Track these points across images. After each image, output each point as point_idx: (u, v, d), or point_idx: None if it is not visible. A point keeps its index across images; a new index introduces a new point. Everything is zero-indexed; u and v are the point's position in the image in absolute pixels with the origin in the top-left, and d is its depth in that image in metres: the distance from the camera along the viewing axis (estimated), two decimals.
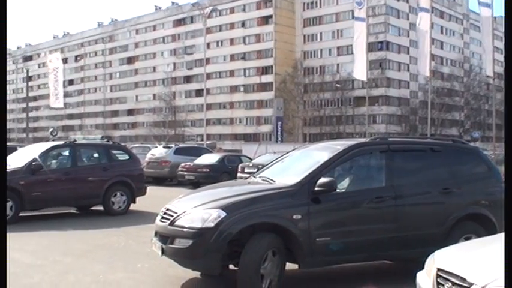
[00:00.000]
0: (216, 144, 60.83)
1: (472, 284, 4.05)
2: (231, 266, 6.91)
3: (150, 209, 14.81)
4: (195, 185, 23.81)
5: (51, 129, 50.63)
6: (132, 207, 15.14)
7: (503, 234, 4.59)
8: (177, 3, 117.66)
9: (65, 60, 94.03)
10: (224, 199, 6.81)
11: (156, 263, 8.02)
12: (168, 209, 7.11)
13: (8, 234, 10.88)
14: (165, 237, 6.84)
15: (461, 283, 4.18)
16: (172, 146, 30.87)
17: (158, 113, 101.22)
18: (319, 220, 6.91)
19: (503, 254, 4.06)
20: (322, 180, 6.84)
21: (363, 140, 8.34)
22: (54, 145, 15.03)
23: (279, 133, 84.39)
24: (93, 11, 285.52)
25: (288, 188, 6.96)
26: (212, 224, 6.40)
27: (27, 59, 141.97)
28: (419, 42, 35.02)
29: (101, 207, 14.82)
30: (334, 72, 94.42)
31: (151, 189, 16.63)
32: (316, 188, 6.83)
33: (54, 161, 14.51)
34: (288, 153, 9.06)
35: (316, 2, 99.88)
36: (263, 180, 7.64)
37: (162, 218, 7.08)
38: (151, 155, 28.68)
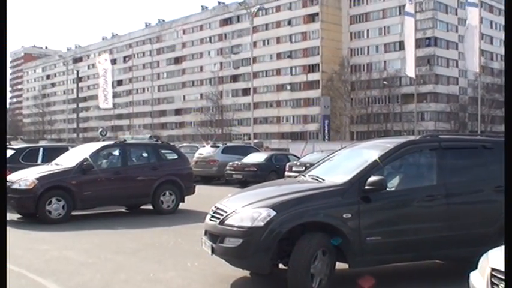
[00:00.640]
0: (263, 143, 60.96)
1: None
2: (281, 265, 6.89)
3: (198, 207, 14.92)
4: (243, 183, 23.86)
5: (100, 129, 51.35)
6: (181, 206, 15.24)
7: None
8: (223, 3, 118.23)
9: (113, 61, 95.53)
10: (273, 198, 6.80)
11: (205, 261, 8.05)
12: (217, 208, 7.14)
13: (60, 233, 11.17)
14: (215, 236, 6.87)
15: None
16: (220, 145, 31.00)
17: (205, 112, 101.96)
18: (370, 219, 6.85)
19: None
20: (372, 178, 6.77)
21: (413, 137, 8.23)
22: (104, 145, 15.24)
23: (326, 131, 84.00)
24: (141, 12, 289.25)
25: (337, 187, 6.91)
26: (262, 223, 6.40)
27: (77, 60, 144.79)
28: (468, 38, 34.36)
29: (150, 206, 14.96)
30: (381, 69, 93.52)
31: (199, 188, 16.73)
32: (366, 187, 6.77)
33: (104, 161, 14.71)
34: (336, 151, 9.00)
35: None
36: (312, 179, 7.60)
37: (212, 217, 7.11)
38: (199, 154, 28.84)
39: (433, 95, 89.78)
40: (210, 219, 7.14)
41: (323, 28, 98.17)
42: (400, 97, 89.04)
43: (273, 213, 6.45)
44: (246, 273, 7.51)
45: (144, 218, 13.97)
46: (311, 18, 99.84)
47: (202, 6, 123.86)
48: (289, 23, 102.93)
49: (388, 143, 7.64)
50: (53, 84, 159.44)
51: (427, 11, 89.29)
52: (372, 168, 7.04)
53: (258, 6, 68.29)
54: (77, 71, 67.53)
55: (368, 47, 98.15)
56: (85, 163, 13.62)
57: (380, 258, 7.01)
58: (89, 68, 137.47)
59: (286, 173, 22.78)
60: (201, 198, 16.02)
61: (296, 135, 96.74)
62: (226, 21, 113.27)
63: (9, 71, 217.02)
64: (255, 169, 25.01)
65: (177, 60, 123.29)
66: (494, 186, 7.51)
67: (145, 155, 15.68)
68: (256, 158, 26.65)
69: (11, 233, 11.56)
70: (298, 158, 26.59)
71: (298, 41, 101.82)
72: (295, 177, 8.69)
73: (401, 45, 66.45)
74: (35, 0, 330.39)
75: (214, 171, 27.41)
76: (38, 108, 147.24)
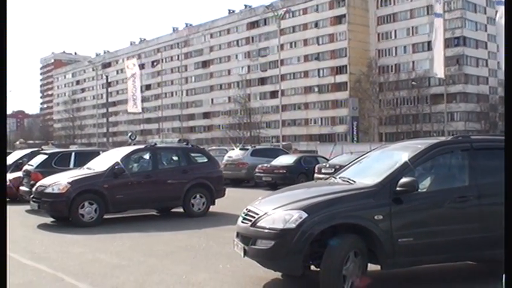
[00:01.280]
0: (291, 145, 60.89)
1: None
2: (313, 267, 6.90)
3: (229, 210, 15.00)
4: (272, 186, 23.90)
5: (129, 134, 51.76)
6: (212, 208, 15.30)
7: None
8: (250, 6, 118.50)
9: (142, 66, 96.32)
10: (305, 200, 6.82)
11: (237, 263, 8.11)
12: (249, 211, 7.18)
13: (93, 236, 11.31)
14: (247, 238, 6.91)
15: None
16: (249, 147, 31.07)
17: (233, 115, 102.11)
18: (401, 220, 6.82)
19: None
20: (404, 180, 6.75)
21: (444, 138, 8.17)
22: (135, 149, 15.41)
23: (354, 133, 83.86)
24: (168, 17, 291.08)
25: (369, 189, 6.91)
26: (294, 225, 6.42)
27: (106, 65, 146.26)
28: (498, 36, 33.97)
29: (181, 209, 15.07)
30: (409, 70, 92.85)
31: (228, 191, 16.73)
32: (397, 188, 6.74)
33: (135, 165, 14.88)
34: (366, 153, 8.98)
35: (390, 0, 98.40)
36: (343, 180, 7.60)
37: (244, 219, 7.16)
38: (228, 157, 28.96)
39: (462, 95, 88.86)
40: (242, 222, 7.18)
41: (350, 29, 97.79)
42: (429, 97, 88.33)
43: (304, 215, 6.47)
44: (278, 275, 7.54)
45: (175, 221, 14.06)
46: (338, 19, 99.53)
47: (229, 10, 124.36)
48: (316, 25, 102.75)
49: (419, 144, 7.61)
50: (83, 90, 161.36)
51: (455, 10, 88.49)
52: (403, 169, 7.02)
53: (284, 9, 68.53)
54: (106, 76, 68.06)
55: (396, 48, 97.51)
56: (116, 167, 13.78)
57: (412, 260, 6.97)
58: (117, 73, 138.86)
59: (316, 175, 22.75)
60: (231, 200, 16.10)
61: (324, 137, 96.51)
62: (253, 25, 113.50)
63: (39, 77, 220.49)
64: (284, 171, 25.02)
65: (205, 64, 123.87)
66: None
67: (175, 158, 15.79)
68: (285, 160, 26.65)
69: (46, 236, 11.78)
70: (327, 160, 26.51)
71: (326, 43, 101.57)
72: (326, 179, 8.68)
73: (429, 46, 65.91)
74: (64, 7, 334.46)
75: (244, 174, 27.50)
76: (68, 114, 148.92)
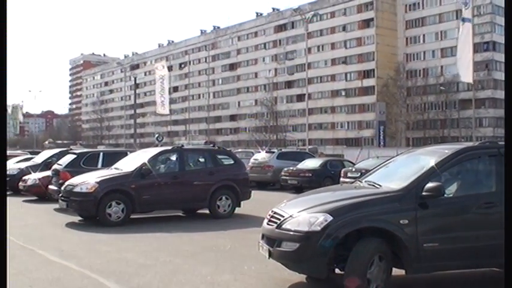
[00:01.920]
0: (317, 149, 60.75)
1: None
2: (337, 270, 6.93)
3: (254, 212, 15.04)
4: (298, 189, 23.88)
5: (156, 135, 52.19)
6: (237, 210, 15.37)
7: None
8: (278, 9, 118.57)
9: (169, 68, 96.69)
10: (330, 203, 6.86)
11: (262, 265, 8.16)
12: (275, 213, 7.23)
13: (119, 235, 11.45)
14: (272, 240, 6.97)
15: None
16: (275, 150, 31.08)
17: (260, 118, 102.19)
18: (427, 225, 6.82)
19: None
20: (430, 185, 6.75)
21: (471, 144, 8.14)
22: (162, 150, 15.54)
23: (381, 137, 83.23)
24: (196, 20, 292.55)
25: (395, 193, 6.92)
26: (319, 228, 6.47)
27: (134, 67, 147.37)
28: None
29: (206, 211, 15.15)
30: (438, 75, 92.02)
31: (254, 194, 16.76)
32: (423, 193, 6.74)
33: (162, 166, 14.99)
34: (393, 157, 8.98)
35: (419, 4, 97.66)
36: (369, 184, 7.62)
37: (269, 221, 7.21)
38: (255, 159, 28.99)
39: (491, 100, 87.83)
40: (268, 224, 7.24)
41: (378, 33, 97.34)
42: (458, 103, 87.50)
43: (329, 218, 6.51)
44: (302, 277, 7.57)
45: (201, 222, 14.16)
46: (366, 23, 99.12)
47: (256, 13, 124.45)
48: (344, 28, 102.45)
49: (446, 149, 7.59)
50: (111, 91, 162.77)
51: (484, 15, 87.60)
52: (430, 174, 7.02)
53: (312, 13, 68.37)
54: (135, 78, 68.80)
55: (424, 52, 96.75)
56: (144, 168, 13.91)
57: (437, 265, 6.95)
58: (145, 74, 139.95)
59: (342, 179, 22.68)
60: (257, 203, 16.13)
61: (351, 141, 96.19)
62: (280, 28, 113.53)
63: (68, 78, 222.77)
64: (310, 175, 24.98)
65: (232, 66, 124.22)
66: None
67: (202, 160, 15.88)
68: (311, 163, 26.61)
69: (73, 234, 11.96)
70: (354, 164, 26.43)
71: (353, 47, 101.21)
72: (352, 183, 8.70)
73: None
74: (94, 9, 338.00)
75: (269, 177, 27.50)
76: (96, 114, 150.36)
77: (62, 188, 14.20)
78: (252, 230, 11.51)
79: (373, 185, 7.48)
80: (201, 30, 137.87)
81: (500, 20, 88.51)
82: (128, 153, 17.65)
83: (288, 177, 25.82)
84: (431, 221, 6.88)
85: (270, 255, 6.94)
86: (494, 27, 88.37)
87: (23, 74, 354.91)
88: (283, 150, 33.79)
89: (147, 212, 14.45)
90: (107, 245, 10.49)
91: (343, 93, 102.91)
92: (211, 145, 22.93)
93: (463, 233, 6.97)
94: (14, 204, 18.64)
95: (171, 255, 9.51)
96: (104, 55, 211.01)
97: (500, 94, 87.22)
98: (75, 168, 16.87)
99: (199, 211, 15.62)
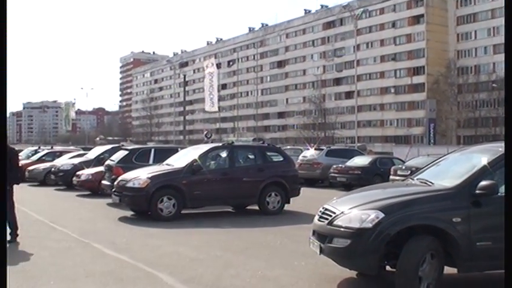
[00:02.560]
0: (366, 146, 60.27)
1: None
2: (388, 268, 6.94)
3: (303, 209, 15.09)
4: (347, 187, 23.82)
5: (205, 132, 52.60)
6: (286, 207, 15.43)
7: None
8: (326, 6, 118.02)
9: (218, 65, 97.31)
10: (382, 200, 6.86)
11: (312, 261, 8.21)
12: (326, 209, 7.26)
13: (171, 230, 11.65)
14: (323, 236, 7.00)
15: None
16: (324, 148, 31.03)
17: (308, 115, 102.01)
18: (480, 224, 6.75)
19: None
20: (484, 183, 6.67)
21: None
22: (213, 147, 15.71)
23: (431, 135, 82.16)
24: (244, 17, 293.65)
25: (447, 191, 6.88)
26: (370, 225, 6.47)
27: (183, 65, 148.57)
28: None
29: (256, 207, 15.25)
30: (490, 72, 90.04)
31: (303, 191, 16.79)
32: (476, 191, 6.68)
33: (212, 162, 15.14)
34: (444, 155, 8.90)
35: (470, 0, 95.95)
36: (420, 182, 7.58)
37: (320, 217, 7.25)
38: (303, 156, 29.02)
39: None
40: (319, 220, 7.28)
41: (428, 30, 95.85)
42: None
43: (381, 215, 6.51)
44: (352, 274, 7.59)
45: (250, 218, 14.27)
46: (416, 19, 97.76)
47: (305, 10, 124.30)
48: (393, 25, 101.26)
49: (500, 147, 7.48)
50: (161, 88, 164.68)
51: None
52: (483, 172, 6.94)
53: (361, 9, 67.87)
54: (184, 75, 69.29)
55: (476, 49, 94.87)
56: (194, 164, 14.09)
57: (490, 264, 6.87)
58: (194, 72, 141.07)
59: (391, 177, 22.50)
60: (306, 200, 16.17)
61: (400, 139, 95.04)
62: (329, 25, 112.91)
63: (119, 75, 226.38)
64: (359, 172, 24.87)
65: (280, 64, 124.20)
66: None
67: (251, 156, 15.97)
68: (361, 161, 26.48)
69: (126, 228, 12.22)
70: (403, 162, 26.18)
71: (403, 43, 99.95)
72: (403, 180, 8.66)
73: None
74: (144, 8, 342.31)
75: (318, 174, 27.49)
76: (146, 111, 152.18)
77: (115, 183, 14.51)
78: (301, 226, 11.57)
79: (425, 183, 7.44)
80: (249, 28, 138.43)
81: None
82: (179, 149, 17.86)
83: (336, 175, 25.75)
84: (485, 219, 6.80)
85: (321, 251, 6.98)
86: None
87: (76, 72, 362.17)
88: (332, 147, 33.70)
89: (197, 207, 14.64)
90: (159, 239, 10.69)
91: (393, 90, 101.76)
92: (261, 142, 23.03)
93: None
94: (68, 199, 19.15)
95: (222, 249, 9.63)
96: (154, 53, 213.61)
97: None
98: (128, 164, 17.19)
99: (248, 207, 15.72)
